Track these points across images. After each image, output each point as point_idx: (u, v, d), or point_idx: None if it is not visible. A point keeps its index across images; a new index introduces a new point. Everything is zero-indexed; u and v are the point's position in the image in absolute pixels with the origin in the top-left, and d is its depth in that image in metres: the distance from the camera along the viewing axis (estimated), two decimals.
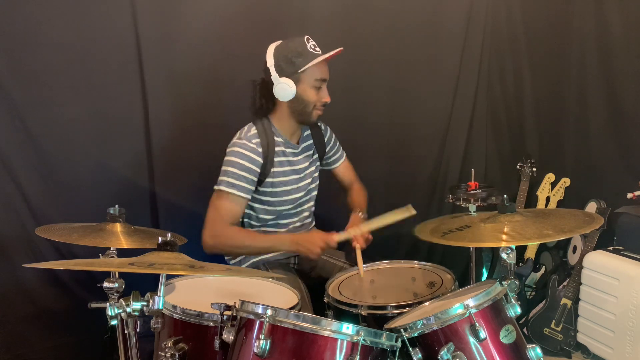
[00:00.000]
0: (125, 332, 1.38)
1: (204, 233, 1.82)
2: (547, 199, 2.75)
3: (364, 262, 1.90)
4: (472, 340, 1.27)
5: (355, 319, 1.57)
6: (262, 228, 2.02)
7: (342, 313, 1.61)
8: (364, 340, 1.21)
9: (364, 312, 1.56)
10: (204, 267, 1.28)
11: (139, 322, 1.38)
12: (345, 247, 2.06)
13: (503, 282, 1.41)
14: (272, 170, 1.92)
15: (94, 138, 2.30)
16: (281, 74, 1.84)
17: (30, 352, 2.24)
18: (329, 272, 2.01)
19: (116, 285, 1.55)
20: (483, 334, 1.26)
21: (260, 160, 1.88)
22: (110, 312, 1.32)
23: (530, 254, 2.80)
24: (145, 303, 1.33)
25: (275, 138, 1.94)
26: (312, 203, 2.12)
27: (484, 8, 2.86)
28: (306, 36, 1.87)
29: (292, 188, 1.99)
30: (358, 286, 1.79)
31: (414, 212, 1.88)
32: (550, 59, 2.73)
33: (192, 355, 1.40)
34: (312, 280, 2.05)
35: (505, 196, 1.55)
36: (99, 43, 2.24)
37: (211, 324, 1.40)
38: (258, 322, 1.23)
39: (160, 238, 1.36)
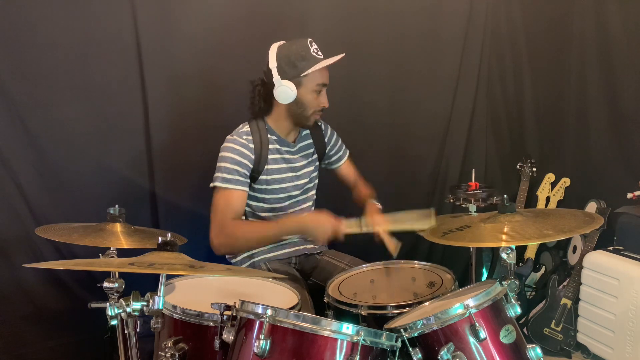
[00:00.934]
0: (125, 332, 1.38)
1: (210, 235, 1.82)
2: (547, 199, 2.76)
3: (366, 262, 1.91)
4: (472, 340, 1.27)
5: (355, 319, 1.57)
6: None
7: (342, 313, 1.60)
8: (364, 340, 1.21)
9: (364, 312, 1.56)
10: (204, 267, 1.28)
11: (139, 322, 1.38)
12: (348, 246, 2.06)
13: (503, 282, 1.41)
14: (267, 167, 1.92)
15: (94, 138, 2.30)
16: (283, 76, 1.83)
17: (30, 352, 2.24)
18: (329, 272, 2.01)
19: (116, 285, 1.55)
20: (483, 334, 1.26)
21: (252, 155, 1.87)
22: (110, 312, 1.32)
23: (530, 254, 2.80)
24: (145, 303, 1.32)
25: (269, 136, 1.93)
26: (310, 203, 2.12)
27: (484, 9, 2.86)
28: (309, 39, 1.86)
29: (288, 185, 1.99)
30: (358, 286, 1.79)
31: (434, 222, 1.74)
32: (550, 59, 2.73)
33: (192, 355, 1.40)
34: (312, 280, 2.05)
35: (505, 196, 1.55)
36: (99, 43, 2.24)
37: (211, 324, 1.40)
38: (258, 322, 1.23)
39: (160, 238, 1.36)
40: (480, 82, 2.94)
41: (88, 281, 2.28)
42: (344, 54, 1.87)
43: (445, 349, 1.25)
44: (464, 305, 1.27)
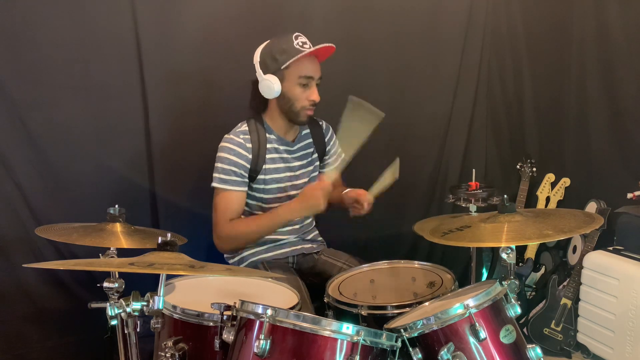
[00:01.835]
0: (125, 332, 1.38)
1: (213, 236, 1.83)
2: (547, 199, 2.75)
3: (367, 262, 1.91)
4: (472, 340, 1.27)
5: (355, 319, 1.57)
6: None
7: (342, 313, 1.60)
8: (364, 340, 1.21)
9: (364, 312, 1.56)
10: (204, 267, 1.28)
11: (139, 322, 1.38)
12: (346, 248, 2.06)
13: (503, 282, 1.41)
14: (264, 167, 1.92)
15: (94, 138, 2.30)
16: (265, 70, 1.83)
17: (30, 352, 2.24)
18: (328, 272, 2.01)
19: (116, 285, 1.55)
20: (483, 334, 1.26)
21: (249, 155, 1.87)
22: (110, 312, 1.32)
23: (530, 254, 2.80)
24: (145, 303, 1.32)
25: (268, 135, 1.93)
26: None
27: (484, 8, 2.86)
28: (296, 33, 1.84)
29: (286, 185, 1.98)
30: (358, 286, 1.78)
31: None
32: (550, 58, 2.73)
33: (192, 355, 1.40)
34: (311, 280, 2.05)
35: (505, 196, 1.55)
36: (99, 43, 2.24)
37: (211, 324, 1.40)
38: (258, 322, 1.23)
39: (160, 238, 1.36)
40: (481, 82, 2.94)
41: (88, 281, 2.28)
42: (330, 44, 1.84)
43: (445, 349, 1.25)
44: (464, 305, 1.27)
